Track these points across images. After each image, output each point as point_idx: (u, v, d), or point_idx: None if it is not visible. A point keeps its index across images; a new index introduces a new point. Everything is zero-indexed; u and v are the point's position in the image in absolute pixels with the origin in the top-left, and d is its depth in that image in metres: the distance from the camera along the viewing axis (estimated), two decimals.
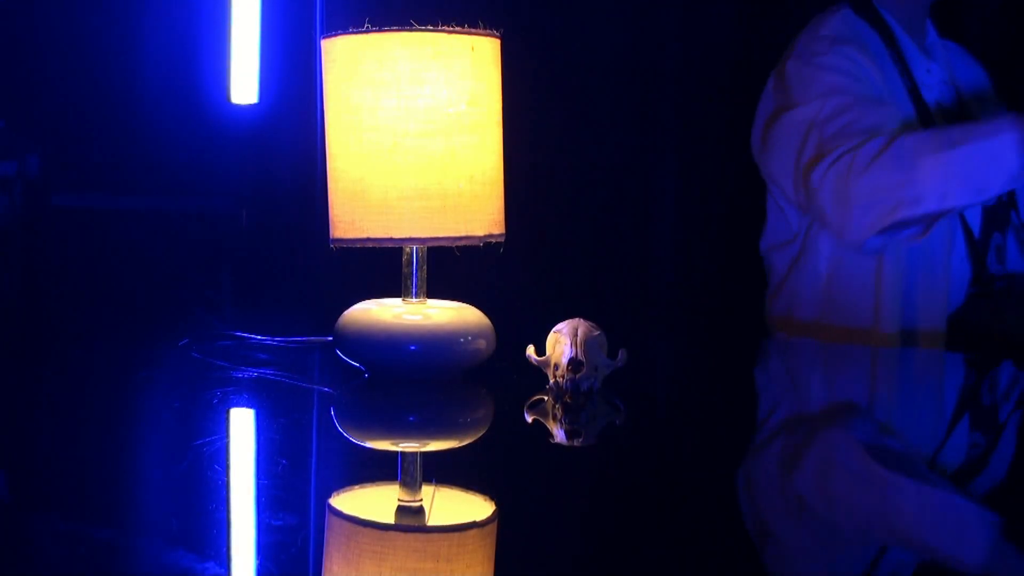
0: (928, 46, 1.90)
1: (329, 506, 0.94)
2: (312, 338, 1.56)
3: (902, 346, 1.77)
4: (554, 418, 1.23)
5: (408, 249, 1.37)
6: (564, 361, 1.25)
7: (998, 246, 1.82)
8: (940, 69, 1.88)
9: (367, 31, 1.33)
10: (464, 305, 1.38)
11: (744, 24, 2.47)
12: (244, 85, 2.54)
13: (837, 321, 1.80)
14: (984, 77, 1.96)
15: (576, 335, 1.27)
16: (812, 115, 1.75)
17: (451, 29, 1.33)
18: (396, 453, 1.18)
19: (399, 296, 1.38)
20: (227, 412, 1.33)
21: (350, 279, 1.77)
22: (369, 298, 1.40)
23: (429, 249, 1.37)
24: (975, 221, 1.79)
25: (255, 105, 2.55)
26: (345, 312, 1.37)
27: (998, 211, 1.83)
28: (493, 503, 0.95)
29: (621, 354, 1.30)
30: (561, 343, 1.28)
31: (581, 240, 2.57)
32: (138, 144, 2.54)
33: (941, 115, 1.86)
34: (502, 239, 1.38)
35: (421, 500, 0.97)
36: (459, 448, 1.20)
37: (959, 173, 1.61)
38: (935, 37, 1.91)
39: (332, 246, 1.38)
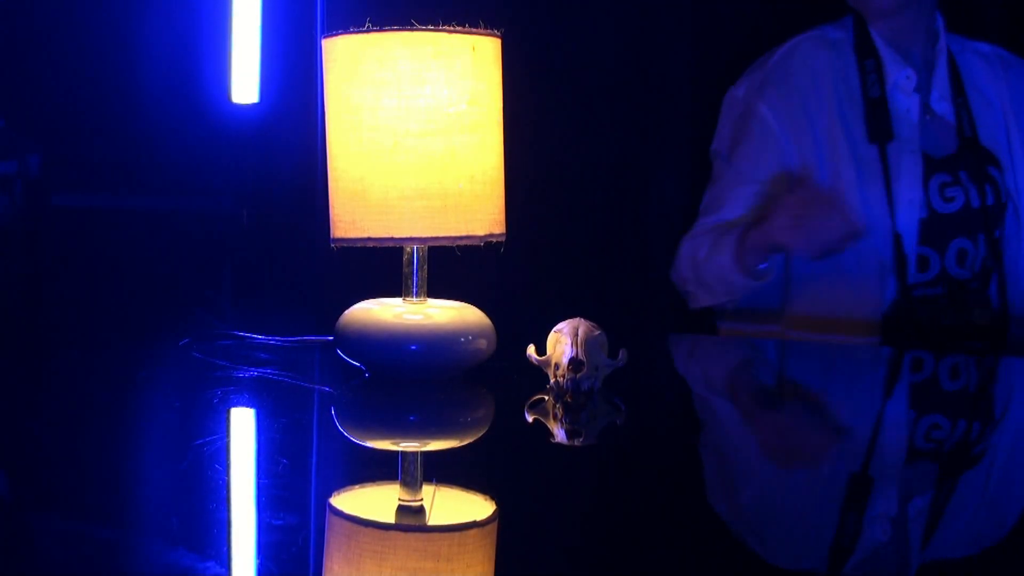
0: (938, 51, 1.92)
1: (329, 506, 0.94)
2: (312, 338, 1.56)
3: (841, 335, 1.86)
4: (554, 418, 1.23)
5: (409, 249, 1.37)
6: (565, 361, 1.25)
7: (961, 250, 1.85)
8: (919, 75, 1.91)
9: (368, 31, 1.33)
10: (465, 305, 1.38)
11: (744, 23, 2.47)
12: (245, 84, 2.54)
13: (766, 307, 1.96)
14: (1003, 83, 1.96)
15: (577, 335, 1.27)
16: (712, 167, 2.02)
17: (452, 29, 1.33)
18: (396, 453, 1.18)
19: (399, 296, 1.38)
20: (227, 412, 1.33)
21: (350, 279, 1.77)
22: (369, 298, 1.40)
23: (430, 249, 1.37)
24: (910, 230, 1.84)
25: (256, 105, 2.55)
26: (346, 312, 1.37)
27: (966, 215, 1.85)
28: (493, 503, 0.95)
29: (621, 354, 1.30)
30: (562, 343, 1.28)
31: (581, 240, 2.57)
32: (138, 144, 2.54)
33: (928, 119, 1.90)
34: (502, 239, 1.38)
35: (421, 500, 0.97)
36: (459, 448, 1.20)
37: (710, 282, 1.88)
38: (943, 44, 1.92)
39: (333, 246, 1.38)
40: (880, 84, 1.88)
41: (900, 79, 1.88)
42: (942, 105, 1.90)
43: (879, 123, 1.86)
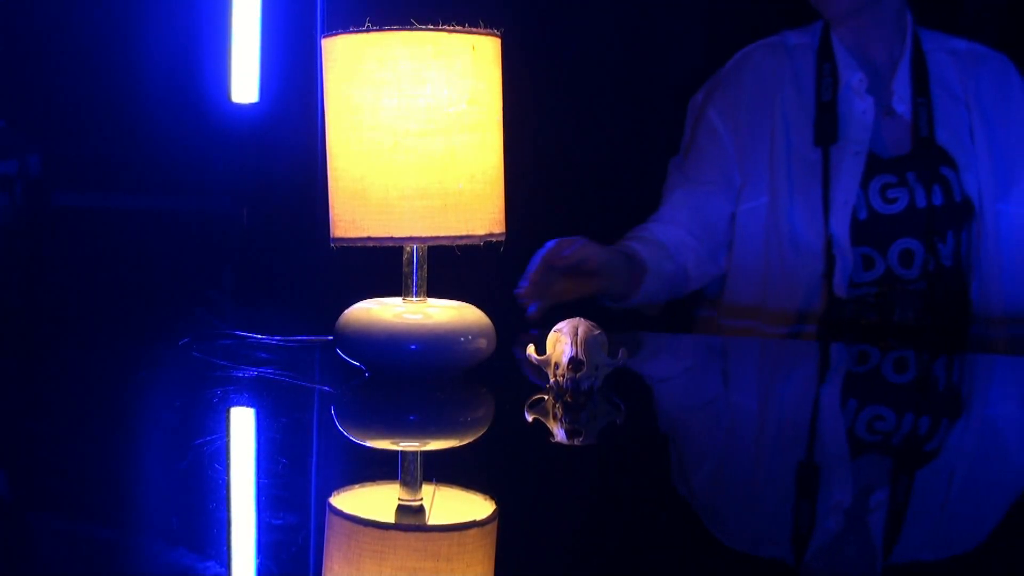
0: (902, 51, 1.94)
1: (329, 505, 0.94)
2: (312, 337, 1.56)
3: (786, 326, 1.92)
4: (554, 417, 1.23)
5: (408, 248, 1.37)
6: (564, 360, 1.25)
7: (906, 250, 1.87)
8: (875, 77, 1.94)
9: (368, 30, 1.33)
10: (465, 304, 1.38)
11: (745, 23, 2.47)
12: (245, 84, 2.54)
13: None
14: (971, 79, 1.96)
15: (577, 334, 1.27)
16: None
17: (452, 28, 1.33)
18: (396, 452, 1.18)
19: (399, 295, 1.38)
20: (227, 411, 1.33)
21: (350, 278, 1.77)
22: (369, 297, 1.40)
23: (430, 248, 1.37)
24: (842, 231, 1.87)
25: (256, 104, 2.55)
26: (345, 311, 1.37)
27: (910, 215, 1.86)
28: (493, 503, 0.95)
29: (621, 353, 1.30)
30: (561, 342, 1.28)
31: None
32: (138, 143, 2.54)
33: (886, 120, 1.93)
34: (503, 238, 1.38)
35: (421, 499, 0.97)
36: (459, 448, 1.20)
37: None
38: (909, 43, 1.94)
39: (332, 245, 1.38)
40: (833, 88, 1.92)
41: (853, 82, 1.91)
42: (902, 106, 1.92)
43: (825, 126, 1.91)
